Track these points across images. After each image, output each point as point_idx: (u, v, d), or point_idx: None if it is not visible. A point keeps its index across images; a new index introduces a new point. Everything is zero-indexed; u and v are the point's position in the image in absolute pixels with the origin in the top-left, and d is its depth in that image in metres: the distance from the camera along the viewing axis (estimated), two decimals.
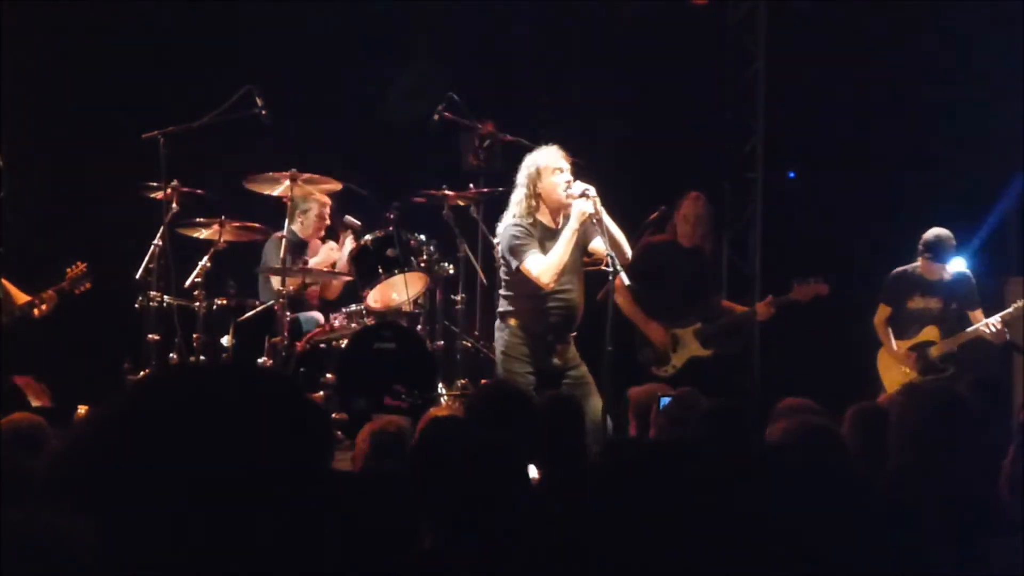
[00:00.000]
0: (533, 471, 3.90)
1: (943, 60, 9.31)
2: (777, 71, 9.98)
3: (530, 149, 6.89)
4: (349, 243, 8.17)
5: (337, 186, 8.12)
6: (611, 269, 6.39)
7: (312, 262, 8.16)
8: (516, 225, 6.64)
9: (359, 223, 8.22)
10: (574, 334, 6.81)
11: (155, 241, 7.69)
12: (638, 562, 1.45)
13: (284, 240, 7.75)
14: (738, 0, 10.16)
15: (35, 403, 7.55)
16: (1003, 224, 9.22)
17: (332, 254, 8.29)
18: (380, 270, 7.86)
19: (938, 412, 3.74)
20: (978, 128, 9.04)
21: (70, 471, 1.42)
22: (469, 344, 8.11)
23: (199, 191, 7.85)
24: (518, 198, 6.71)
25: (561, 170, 6.64)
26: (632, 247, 6.86)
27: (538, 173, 6.66)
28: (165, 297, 7.68)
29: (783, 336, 9.27)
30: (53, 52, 9.04)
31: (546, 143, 6.83)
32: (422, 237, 8.00)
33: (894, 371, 8.04)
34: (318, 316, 8.16)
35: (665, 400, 5.22)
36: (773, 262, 9.79)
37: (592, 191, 6.52)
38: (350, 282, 8.12)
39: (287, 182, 7.75)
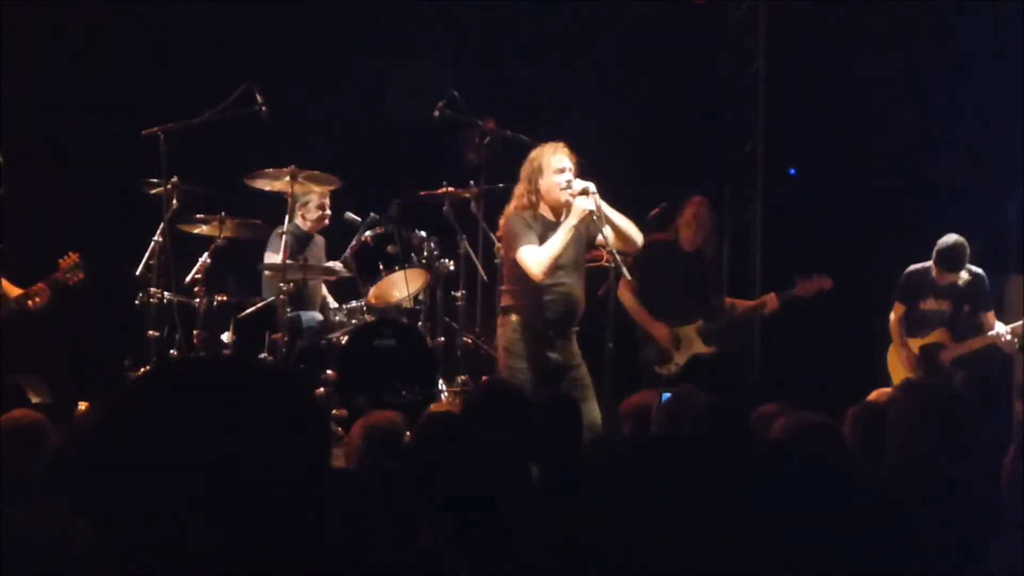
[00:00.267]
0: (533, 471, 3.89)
1: (943, 60, 9.31)
2: (777, 71, 9.97)
3: (531, 146, 6.88)
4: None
5: (337, 183, 8.11)
6: (613, 265, 6.38)
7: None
8: (517, 216, 6.64)
9: (359, 219, 8.21)
10: (576, 329, 6.78)
11: (155, 238, 7.69)
12: (637, 561, 1.45)
13: (285, 236, 7.75)
14: (738, 0, 10.16)
15: (35, 400, 7.54)
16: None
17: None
18: (380, 267, 7.86)
19: (937, 410, 3.74)
20: (978, 128, 9.03)
21: (70, 470, 1.42)
22: (469, 340, 8.11)
23: (199, 188, 7.86)
24: (520, 191, 6.71)
25: (563, 171, 6.62)
26: None
27: (540, 170, 6.65)
28: (165, 294, 7.67)
29: (784, 334, 9.27)
30: (53, 50, 9.04)
31: (551, 141, 6.82)
32: (422, 233, 8.00)
33: (902, 372, 8.01)
34: (317, 315, 8.16)
35: (666, 396, 5.22)
36: (773, 261, 9.78)
37: (592, 188, 6.51)
38: (350, 279, 8.12)
39: (287, 178, 7.75)
